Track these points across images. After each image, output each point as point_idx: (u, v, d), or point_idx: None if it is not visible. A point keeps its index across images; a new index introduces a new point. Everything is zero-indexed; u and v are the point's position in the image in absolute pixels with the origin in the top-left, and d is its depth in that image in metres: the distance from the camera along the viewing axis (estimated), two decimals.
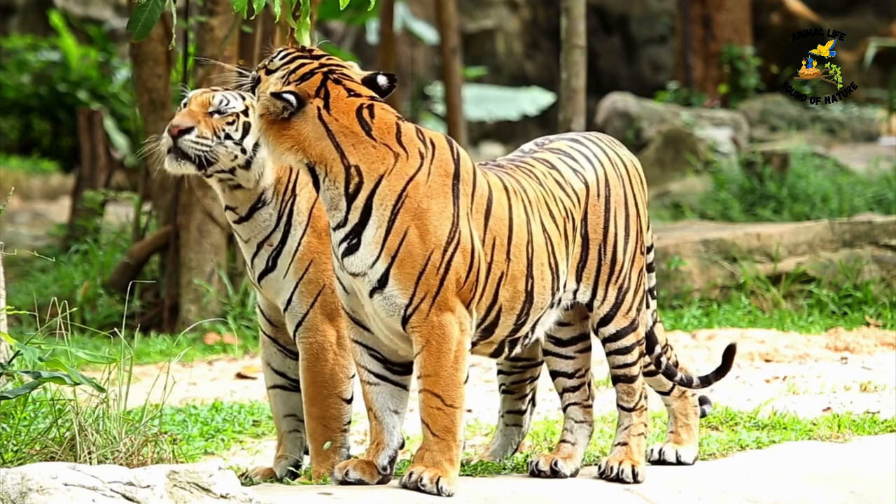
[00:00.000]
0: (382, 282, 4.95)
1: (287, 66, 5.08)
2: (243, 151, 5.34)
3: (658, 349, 5.51)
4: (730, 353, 5.56)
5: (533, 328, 5.22)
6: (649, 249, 5.54)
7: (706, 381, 5.55)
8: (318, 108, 5.01)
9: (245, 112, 5.36)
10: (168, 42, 9.89)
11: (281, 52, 5.14)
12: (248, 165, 5.36)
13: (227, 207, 5.46)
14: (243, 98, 5.39)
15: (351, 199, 4.98)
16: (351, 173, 4.98)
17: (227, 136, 5.34)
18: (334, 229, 5.01)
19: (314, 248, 5.36)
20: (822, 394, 6.97)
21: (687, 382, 5.54)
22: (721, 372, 5.56)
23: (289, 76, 5.05)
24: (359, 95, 5.05)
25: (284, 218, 5.39)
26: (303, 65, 5.07)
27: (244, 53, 9.94)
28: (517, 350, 5.25)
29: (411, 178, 4.97)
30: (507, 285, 5.09)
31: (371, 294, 4.98)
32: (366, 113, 5.03)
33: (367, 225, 4.96)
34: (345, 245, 4.99)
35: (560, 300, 5.26)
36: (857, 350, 8.25)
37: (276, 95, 5.00)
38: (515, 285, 5.10)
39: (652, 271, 5.59)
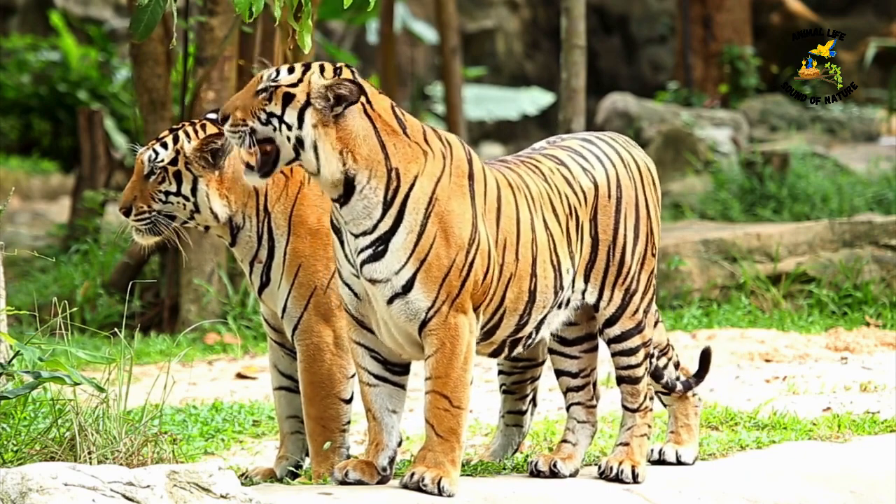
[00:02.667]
0: (407, 287, 4.91)
1: (312, 70, 4.94)
2: (186, 199, 5.35)
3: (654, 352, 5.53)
4: (705, 357, 5.66)
5: (537, 328, 5.20)
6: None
7: (687, 385, 5.63)
8: (363, 104, 4.93)
9: (174, 161, 5.35)
10: (168, 42, 9.89)
11: (287, 68, 4.97)
12: (197, 209, 5.36)
13: (219, 236, 5.51)
14: (175, 141, 5.37)
15: (388, 206, 4.89)
16: (391, 177, 4.91)
17: (167, 194, 5.35)
18: (356, 236, 4.93)
19: (301, 253, 5.36)
20: (822, 394, 6.97)
21: (671, 387, 5.59)
22: (700, 375, 5.65)
23: (323, 73, 4.92)
24: (381, 93, 5.04)
25: (265, 235, 5.39)
26: (323, 66, 4.96)
27: (244, 53, 9.94)
28: (518, 350, 5.24)
29: (438, 180, 4.94)
30: (513, 286, 5.07)
31: (391, 300, 4.93)
32: (398, 111, 5.00)
33: (397, 231, 4.91)
34: (369, 252, 4.92)
35: (569, 300, 5.24)
36: (857, 350, 8.25)
37: (336, 86, 4.87)
38: (521, 285, 5.08)
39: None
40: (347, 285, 5.03)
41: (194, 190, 5.34)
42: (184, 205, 5.35)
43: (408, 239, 4.90)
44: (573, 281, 5.22)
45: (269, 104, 4.90)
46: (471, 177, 5.00)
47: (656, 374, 5.54)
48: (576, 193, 5.23)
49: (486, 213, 5.01)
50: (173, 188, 5.35)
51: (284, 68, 4.96)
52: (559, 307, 5.22)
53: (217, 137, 5.33)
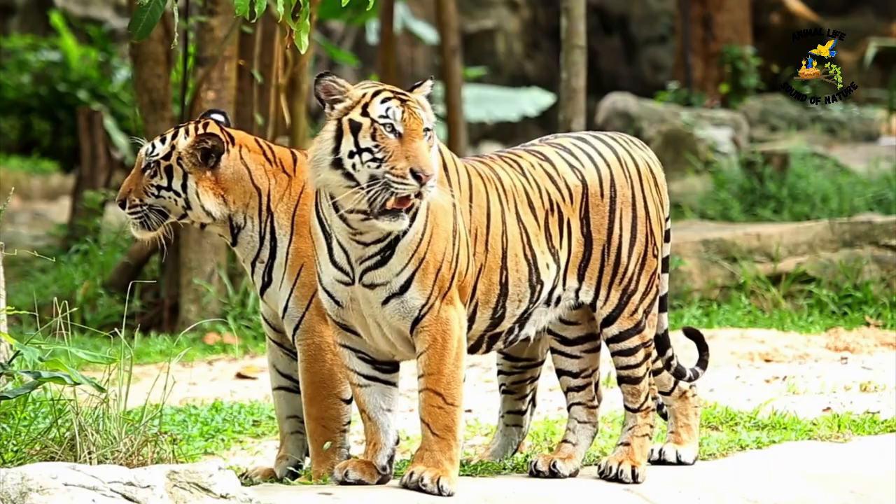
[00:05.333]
0: (405, 287, 4.90)
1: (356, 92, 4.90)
2: (178, 195, 5.34)
3: (670, 352, 5.51)
4: (695, 337, 5.65)
5: (520, 324, 5.18)
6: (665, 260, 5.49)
7: (696, 374, 5.62)
8: None
9: (167, 156, 5.34)
10: (168, 42, 9.90)
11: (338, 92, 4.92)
12: (189, 205, 5.35)
13: (220, 236, 5.50)
14: (174, 137, 5.37)
15: (409, 207, 4.84)
16: None
17: (159, 188, 5.34)
18: (367, 245, 4.90)
19: (303, 253, 5.35)
20: (822, 394, 6.97)
21: (694, 376, 5.58)
22: (703, 359, 5.64)
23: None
24: None
25: (268, 235, 5.38)
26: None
27: (244, 53, 9.94)
28: (498, 345, 5.21)
29: None
30: (483, 278, 5.06)
31: (386, 301, 4.93)
32: None
33: (407, 232, 4.88)
34: (376, 259, 4.90)
35: (559, 299, 5.23)
36: (857, 350, 8.26)
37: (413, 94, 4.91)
38: (491, 277, 5.07)
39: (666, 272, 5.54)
40: (328, 292, 5.01)
41: (185, 186, 5.33)
42: (175, 200, 5.34)
43: (413, 240, 4.90)
44: (563, 279, 5.20)
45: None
46: (444, 167, 5.00)
47: (679, 373, 5.53)
48: (559, 189, 5.20)
49: (460, 203, 5.00)
50: (164, 183, 5.34)
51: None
52: (547, 304, 5.20)
53: (209, 137, 5.32)
